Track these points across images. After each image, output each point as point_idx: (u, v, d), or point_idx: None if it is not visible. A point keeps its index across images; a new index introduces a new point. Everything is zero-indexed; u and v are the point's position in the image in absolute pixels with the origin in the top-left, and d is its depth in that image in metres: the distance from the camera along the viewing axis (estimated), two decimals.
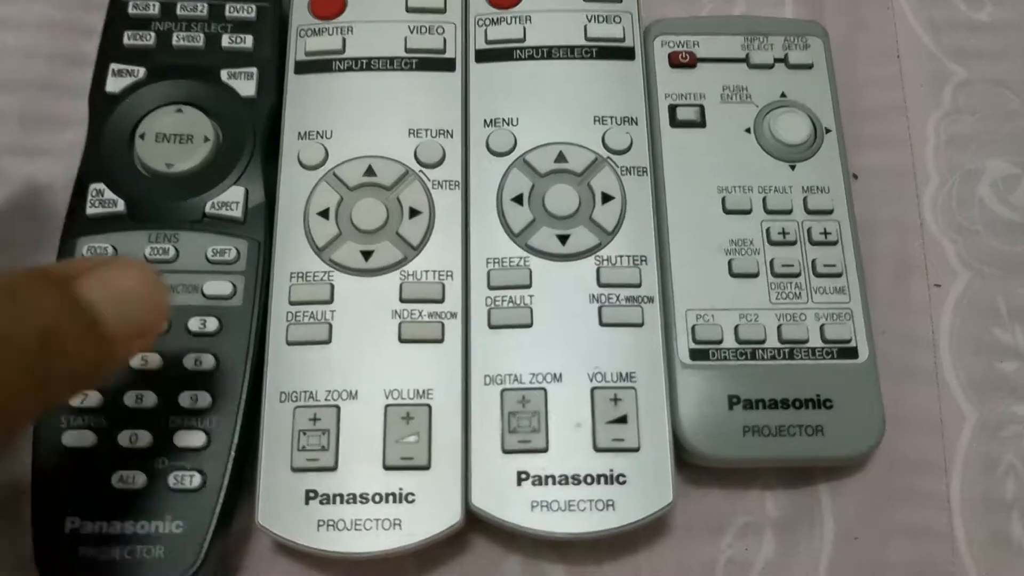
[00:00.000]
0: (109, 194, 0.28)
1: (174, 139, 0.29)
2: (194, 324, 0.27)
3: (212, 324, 0.27)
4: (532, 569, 0.27)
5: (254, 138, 0.29)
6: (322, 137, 0.29)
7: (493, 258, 0.28)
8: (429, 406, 0.26)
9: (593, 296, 0.27)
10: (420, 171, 0.29)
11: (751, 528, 0.28)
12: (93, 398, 0.26)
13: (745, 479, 0.28)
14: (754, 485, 0.28)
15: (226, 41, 0.30)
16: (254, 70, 0.30)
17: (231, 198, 0.28)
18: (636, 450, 0.26)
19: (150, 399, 0.26)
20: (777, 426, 0.27)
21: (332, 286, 0.27)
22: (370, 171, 0.28)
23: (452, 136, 0.29)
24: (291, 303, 0.27)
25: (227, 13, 0.30)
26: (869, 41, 0.34)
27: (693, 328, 0.28)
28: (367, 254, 0.28)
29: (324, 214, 0.28)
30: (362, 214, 0.28)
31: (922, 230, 0.31)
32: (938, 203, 0.32)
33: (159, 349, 0.27)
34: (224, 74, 0.30)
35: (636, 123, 0.29)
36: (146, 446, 0.26)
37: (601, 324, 0.27)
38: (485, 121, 0.29)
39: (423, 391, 0.26)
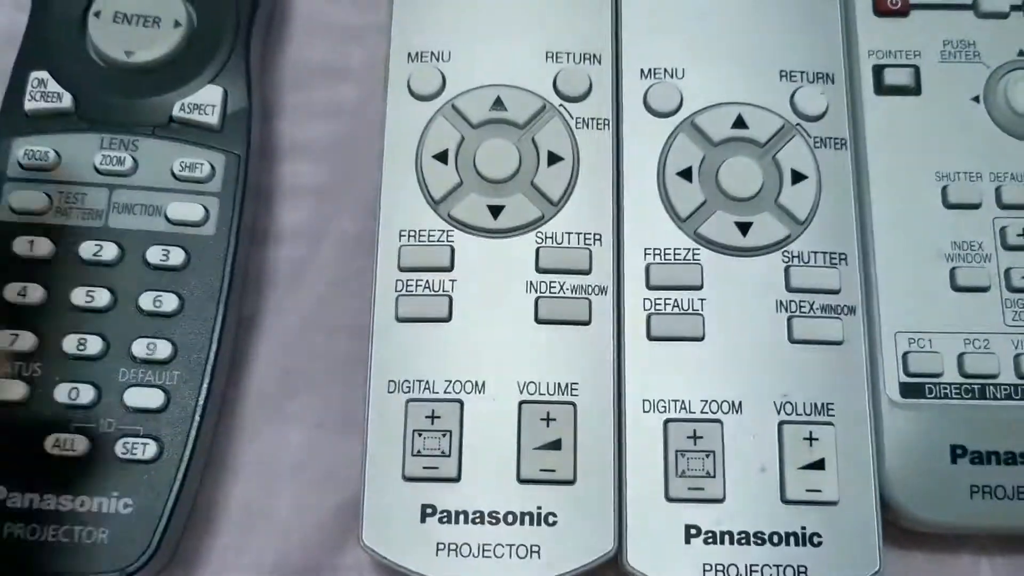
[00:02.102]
0: (54, 86, 0.23)
1: (137, 21, 0.24)
2: (154, 255, 0.23)
3: (177, 256, 0.23)
4: None
5: (237, 25, 0.24)
6: (438, 60, 0.24)
7: (654, 249, 0.23)
8: (574, 404, 0.21)
9: (781, 303, 0.22)
10: (561, 105, 0.23)
11: None
12: (25, 340, 0.22)
13: (954, 541, 0.23)
14: (965, 549, 0.23)
15: None
16: None
17: (206, 99, 0.24)
18: (835, 504, 0.21)
19: (95, 345, 0.22)
20: (1016, 487, 0.21)
21: (452, 248, 0.22)
22: (499, 104, 0.23)
23: (600, 63, 0.24)
24: (401, 269, 0.22)
25: None
26: None
27: (905, 356, 0.22)
28: (496, 209, 0.23)
29: (442, 157, 0.23)
30: (490, 159, 0.23)
31: None
32: None
33: (108, 283, 0.22)
34: None
35: (832, 81, 0.24)
36: (89, 403, 0.21)
37: (791, 340, 0.22)
38: (643, 72, 0.24)
39: (566, 385, 0.22)
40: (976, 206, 0.23)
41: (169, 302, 0.22)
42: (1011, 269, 0.22)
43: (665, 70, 0.24)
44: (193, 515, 0.23)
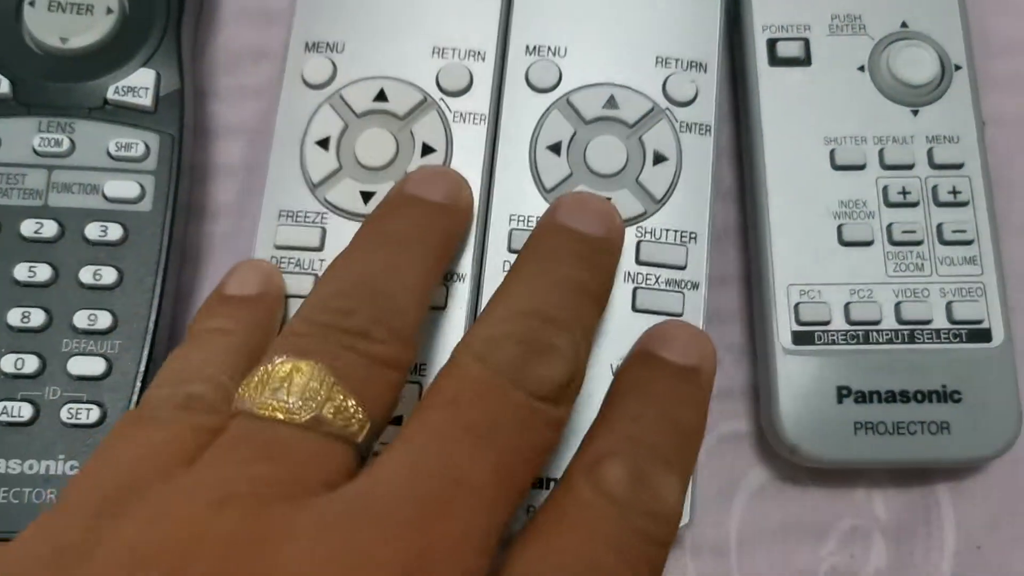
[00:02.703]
0: None
1: (70, 8, 0.25)
2: (92, 231, 0.24)
3: (115, 232, 0.24)
4: None
5: (168, 9, 0.25)
6: (332, 51, 0.25)
7: (518, 215, 0.24)
8: (420, 384, 0.22)
9: (629, 274, 0.23)
10: (441, 99, 0.25)
11: (858, 533, 0.24)
12: None
13: (849, 476, 0.25)
14: (860, 483, 0.25)
15: None
16: None
17: (139, 82, 0.25)
18: None
19: (39, 318, 0.23)
20: (895, 423, 0.23)
21: (324, 230, 0.23)
22: (382, 96, 0.24)
23: (483, 60, 0.25)
24: (276, 247, 0.23)
25: None
26: None
27: (796, 307, 0.24)
28: (368, 195, 0.24)
29: (324, 144, 0.24)
30: (368, 147, 0.24)
31: None
32: None
33: (49, 259, 0.24)
34: None
35: (705, 70, 0.25)
36: (34, 373, 0.23)
37: (634, 309, 0.23)
38: (527, 48, 0.25)
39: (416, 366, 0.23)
40: (861, 167, 0.25)
41: (108, 275, 0.24)
42: (892, 224, 0.24)
43: (549, 48, 0.25)
44: None
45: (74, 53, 0.25)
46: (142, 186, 0.24)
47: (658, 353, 0.19)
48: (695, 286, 0.23)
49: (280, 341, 0.18)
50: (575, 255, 0.19)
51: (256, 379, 0.16)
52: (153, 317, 0.24)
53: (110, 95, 0.25)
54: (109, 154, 0.24)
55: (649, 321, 0.23)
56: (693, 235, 0.24)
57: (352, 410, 0.16)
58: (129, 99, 0.25)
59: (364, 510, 0.15)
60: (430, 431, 0.16)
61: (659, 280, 0.23)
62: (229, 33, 0.28)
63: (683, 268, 0.23)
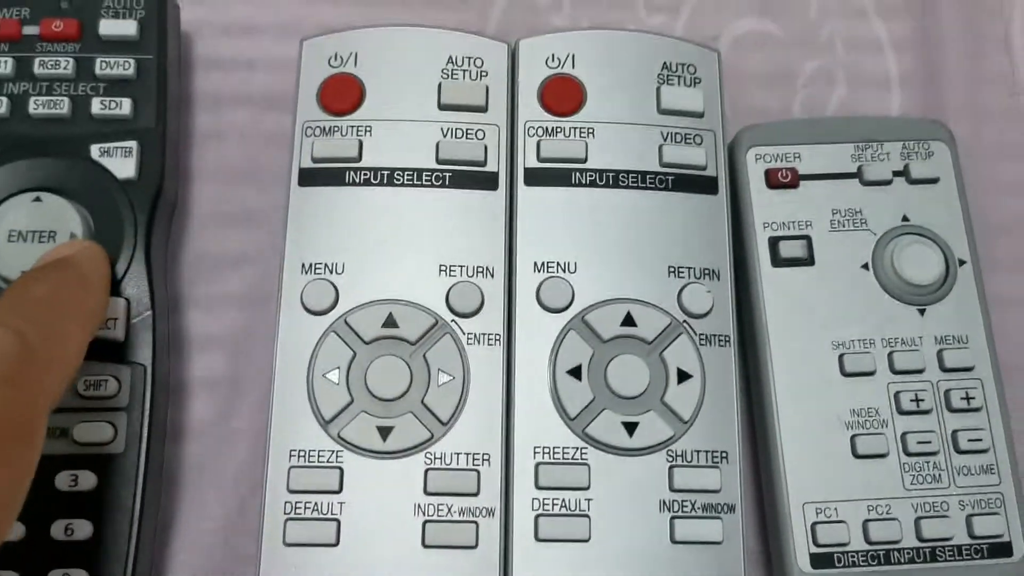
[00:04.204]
0: None
1: (32, 237, 0.23)
2: (63, 481, 0.22)
3: (87, 480, 0.22)
4: None
5: (135, 232, 0.24)
6: (331, 272, 0.23)
7: (543, 447, 0.23)
8: None
9: (664, 503, 0.22)
10: (452, 320, 0.23)
11: None
12: None
13: None
14: None
15: (97, 106, 0.24)
16: (133, 144, 0.24)
17: (108, 313, 0.23)
18: None
19: None
20: None
21: (341, 470, 0.22)
22: (390, 321, 0.23)
23: (492, 276, 0.24)
24: (290, 491, 0.22)
25: (98, 70, 0.24)
26: (993, 134, 0.28)
27: (814, 527, 0.23)
28: (385, 431, 0.22)
29: (333, 376, 0.23)
30: (380, 378, 0.23)
31: None
32: None
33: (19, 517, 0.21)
34: (95, 150, 0.24)
35: (718, 277, 0.24)
36: None
37: (673, 541, 0.22)
38: (536, 265, 0.24)
39: None
40: (871, 373, 0.24)
41: (82, 530, 0.22)
42: (907, 434, 0.24)
43: (558, 264, 0.24)
44: None
45: None
46: (114, 426, 0.23)
47: None
48: (731, 508, 0.22)
49: None
50: None
51: None
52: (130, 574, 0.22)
53: None
54: (77, 392, 0.23)
55: (689, 554, 0.22)
56: (724, 454, 0.23)
57: None
58: (98, 332, 0.23)
59: None
60: None
61: (695, 507, 0.22)
62: (206, 237, 0.26)
63: (718, 491, 0.22)
